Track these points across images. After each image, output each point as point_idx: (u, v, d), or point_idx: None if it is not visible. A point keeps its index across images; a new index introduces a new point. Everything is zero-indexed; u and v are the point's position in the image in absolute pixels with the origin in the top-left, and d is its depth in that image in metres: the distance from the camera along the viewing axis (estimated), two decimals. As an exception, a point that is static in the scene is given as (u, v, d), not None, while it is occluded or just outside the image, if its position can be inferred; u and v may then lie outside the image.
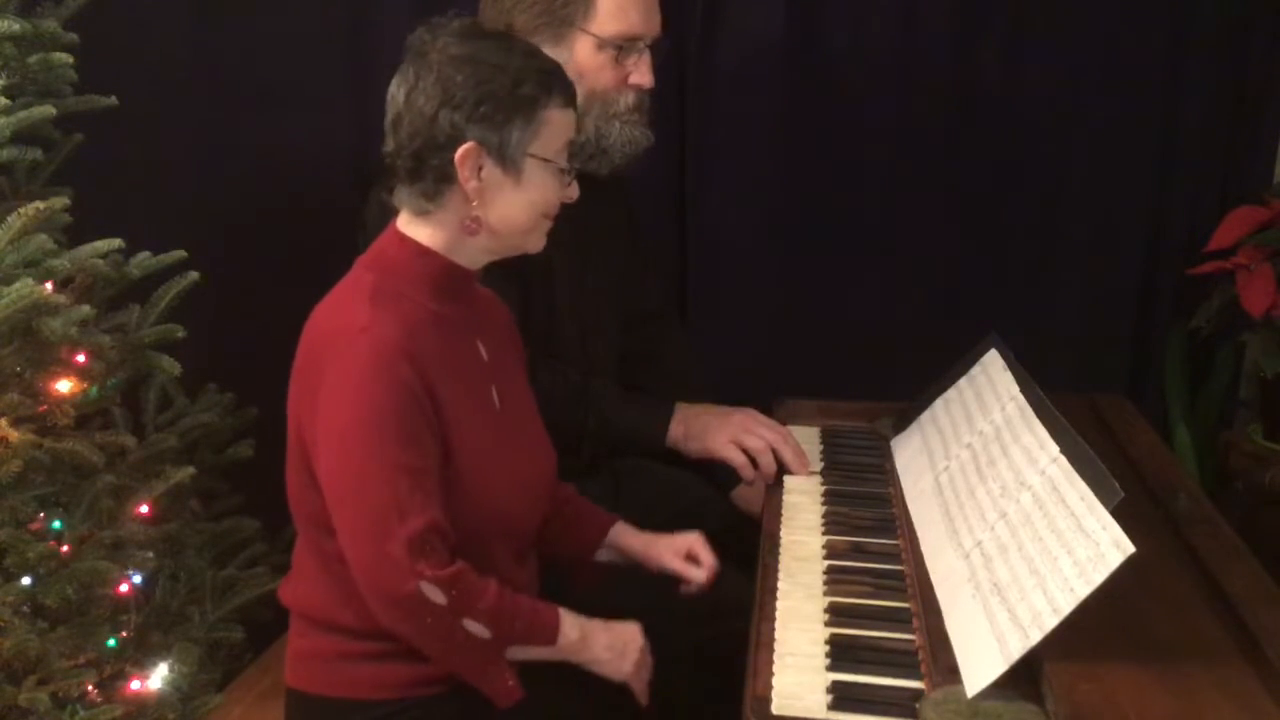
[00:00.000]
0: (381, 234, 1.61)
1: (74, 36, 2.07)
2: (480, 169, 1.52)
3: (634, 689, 1.63)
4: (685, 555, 1.77)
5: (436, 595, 1.46)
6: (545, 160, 1.55)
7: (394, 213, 1.61)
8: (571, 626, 1.59)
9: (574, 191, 1.61)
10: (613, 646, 1.61)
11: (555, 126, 1.55)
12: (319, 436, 1.50)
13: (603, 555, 1.81)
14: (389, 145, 1.56)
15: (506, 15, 1.90)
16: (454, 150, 1.50)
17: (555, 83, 1.56)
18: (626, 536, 1.81)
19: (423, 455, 1.48)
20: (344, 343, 1.50)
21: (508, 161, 1.53)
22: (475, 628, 1.49)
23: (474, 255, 1.60)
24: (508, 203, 1.55)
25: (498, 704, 1.54)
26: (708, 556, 1.77)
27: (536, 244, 1.62)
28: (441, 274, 1.58)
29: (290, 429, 1.59)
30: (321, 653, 1.62)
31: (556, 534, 1.78)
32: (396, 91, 1.55)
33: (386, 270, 1.57)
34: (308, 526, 1.61)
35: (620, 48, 1.90)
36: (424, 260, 1.57)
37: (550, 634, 1.56)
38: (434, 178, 1.53)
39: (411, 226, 1.58)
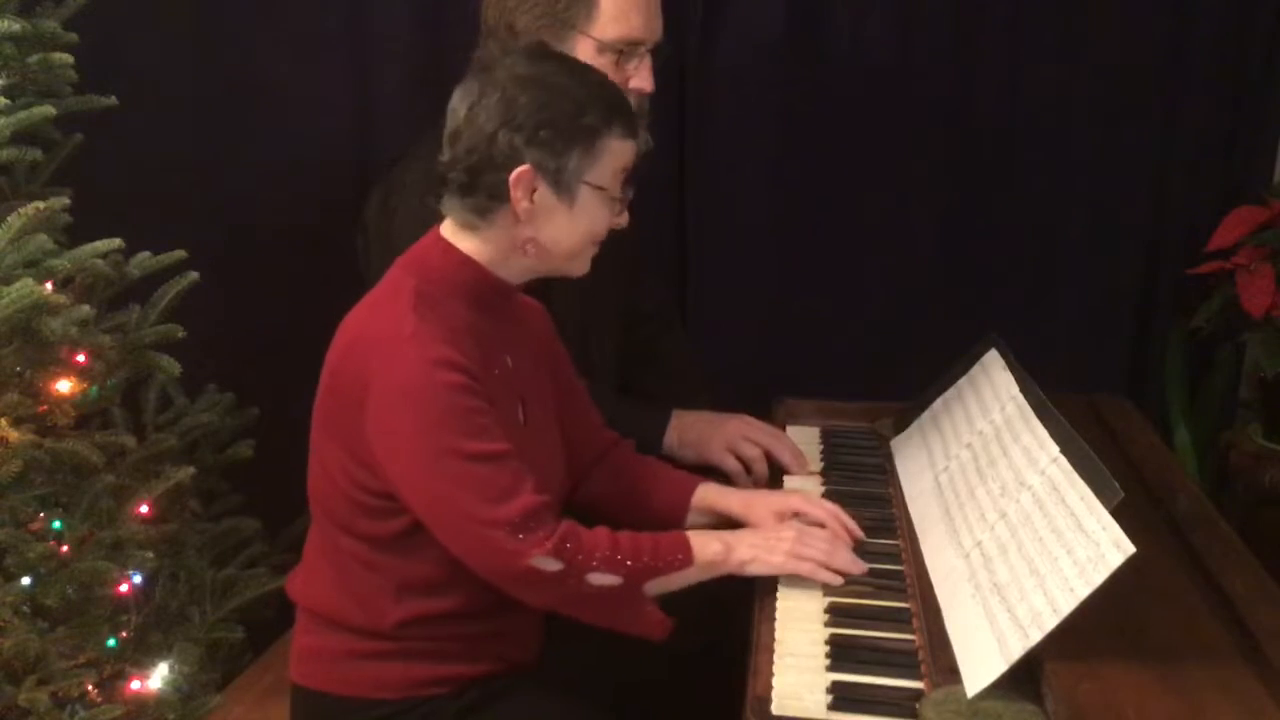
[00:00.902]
0: (423, 238, 1.61)
1: (74, 36, 2.06)
2: (533, 191, 1.53)
3: (803, 573, 1.59)
4: (792, 516, 1.74)
5: (551, 565, 1.46)
6: (600, 189, 1.56)
7: (430, 215, 1.60)
8: (708, 541, 1.59)
9: (624, 219, 1.62)
10: (758, 544, 1.61)
11: (614, 156, 1.56)
12: (383, 450, 1.49)
13: (693, 519, 1.79)
14: (445, 156, 1.56)
15: (508, 16, 1.90)
16: (510, 171, 1.51)
17: (619, 113, 1.56)
18: (721, 498, 1.80)
19: (495, 440, 1.49)
20: (390, 350, 1.50)
21: (562, 187, 1.53)
22: (601, 579, 1.49)
23: (517, 272, 1.61)
24: (557, 227, 1.56)
25: (655, 639, 1.54)
26: (818, 513, 1.73)
27: (581, 268, 1.63)
28: (481, 285, 1.58)
29: (318, 428, 1.59)
30: (327, 651, 1.63)
31: (634, 502, 1.78)
32: (459, 105, 1.54)
33: (427, 277, 1.56)
34: (325, 523, 1.61)
35: (621, 51, 1.90)
36: (465, 270, 1.57)
37: (684, 554, 1.56)
38: (486, 195, 1.53)
39: (457, 236, 1.58)
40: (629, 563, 1.51)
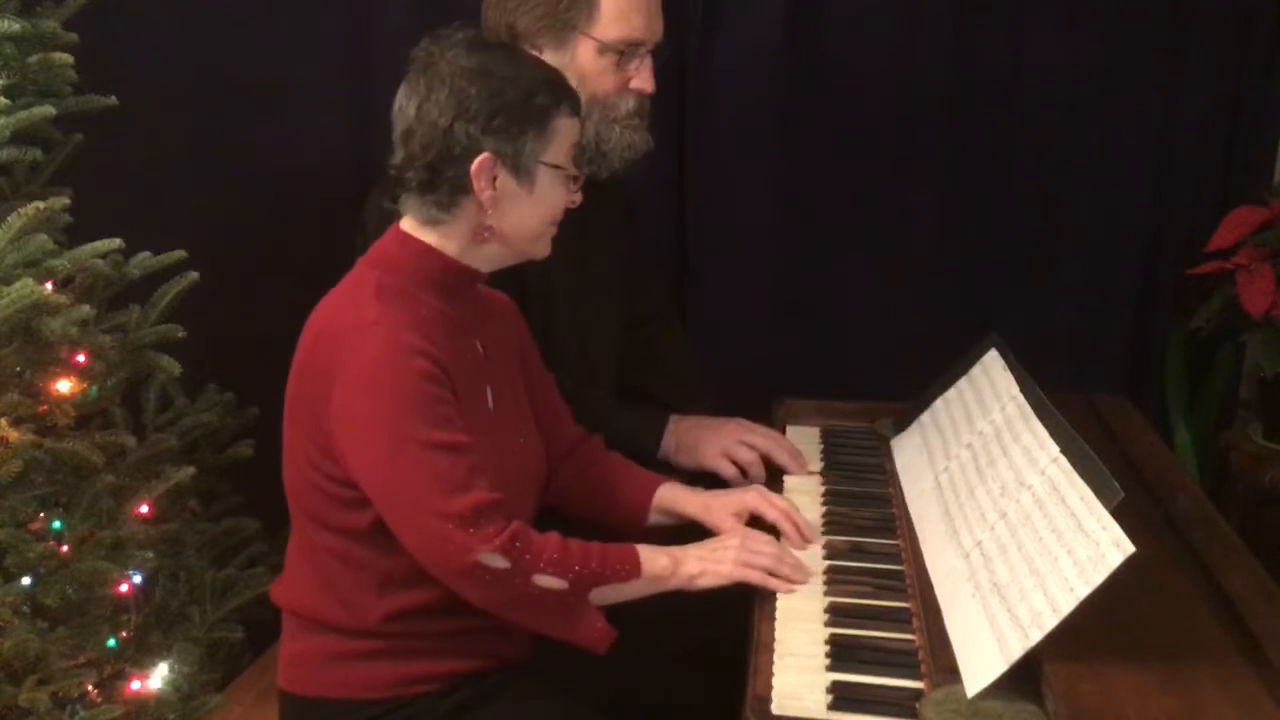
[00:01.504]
0: (382, 236, 1.61)
1: (74, 36, 2.06)
2: (495, 179, 1.54)
3: (752, 580, 1.59)
4: (748, 518, 1.75)
5: (497, 561, 1.46)
6: (556, 168, 1.57)
7: (395, 217, 1.62)
8: (656, 555, 1.59)
9: (578, 197, 1.63)
10: (705, 556, 1.61)
11: (565, 134, 1.58)
12: (344, 434, 1.50)
13: (654, 519, 1.81)
14: (398, 157, 1.57)
15: (509, 17, 1.90)
16: (470, 162, 1.52)
17: (564, 92, 1.59)
18: (681, 499, 1.80)
19: (455, 431, 1.49)
20: (356, 337, 1.51)
21: (521, 171, 1.55)
22: (547, 581, 1.49)
23: (481, 262, 1.62)
24: (520, 211, 1.57)
25: (595, 650, 1.54)
26: (773, 512, 1.74)
27: (543, 250, 1.64)
28: (444, 272, 1.59)
29: (289, 423, 1.60)
30: (312, 654, 1.63)
31: (596, 498, 1.79)
32: (406, 104, 1.56)
33: (389, 269, 1.57)
34: (303, 520, 1.62)
35: (622, 52, 1.90)
36: (427, 259, 1.58)
37: (632, 565, 1.56)
38: (449, 189, 1.54)
39: (419, 230, 1.59)
40: (577, 568, 1.51)
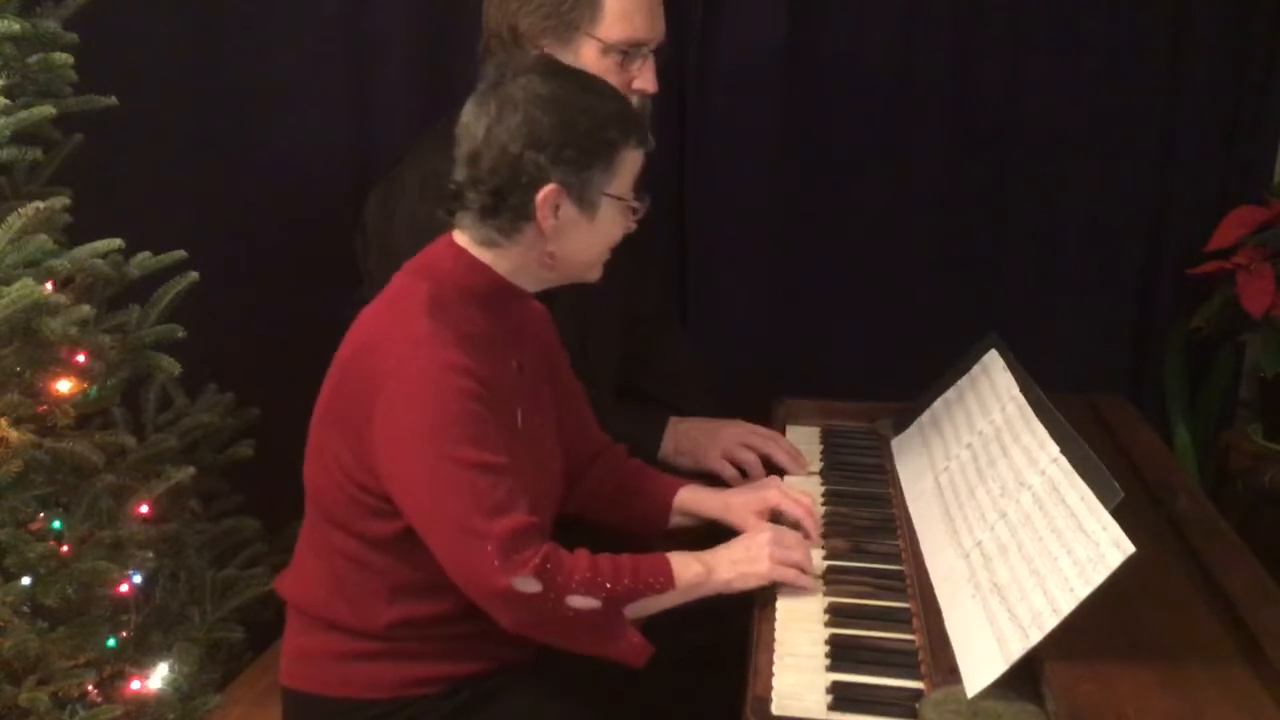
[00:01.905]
0: (436, 244, 1.61)
1: (74, 36, 2.06)
2: (558, 208, 1.54)
3: (787, 581, 1.59)
4: (770, 515, 1.76)
5: (530, 586, 1.45)
6: (619, 199, 1.58)
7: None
8: (689, 562, 1.58)
9: (633, 226, 1.63)
10: (739, 560, 1.60)
11: (630, 167, 1.59)
12: (386, 449, 1.49)
13: (676, 521, 1.81)
14: (460, 175, 1.56)
15: (511, 19, 1.90)
16: (536, 191, 1.52)
17: (633, 125, 1.59)
18: (701, 500, 1.80)
19: (496, 452, 1.49)
20: (403, 351, 1.50)
21: (585, 202, 1.55)
22: (580, 601, 1.48)
23: (531, 283, 1.63)
24: (579, 240, 1.58)
25: (633, 665, 1.53)
26: (794, 509, 1.75)
27: (596, 275, 1.65)
28: (494, 288, 1.59)
29: (321, 424, 1.59)
30: (317, 652, 1.63)
31: (617, 504, 1.79)
32: (474, 124, 1.55)
33: (439, 281, 1.57)
34: (321, 520, 1.61)
35: (625, 52, 1.91)
36: (479, 275, 1.58)
37: (665, 577, 1.55)
38: (511, 216, 1.54)
39: (473, 247, 1.59)
40: (609, 585, 1.50)
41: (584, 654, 1.53)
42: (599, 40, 1.88)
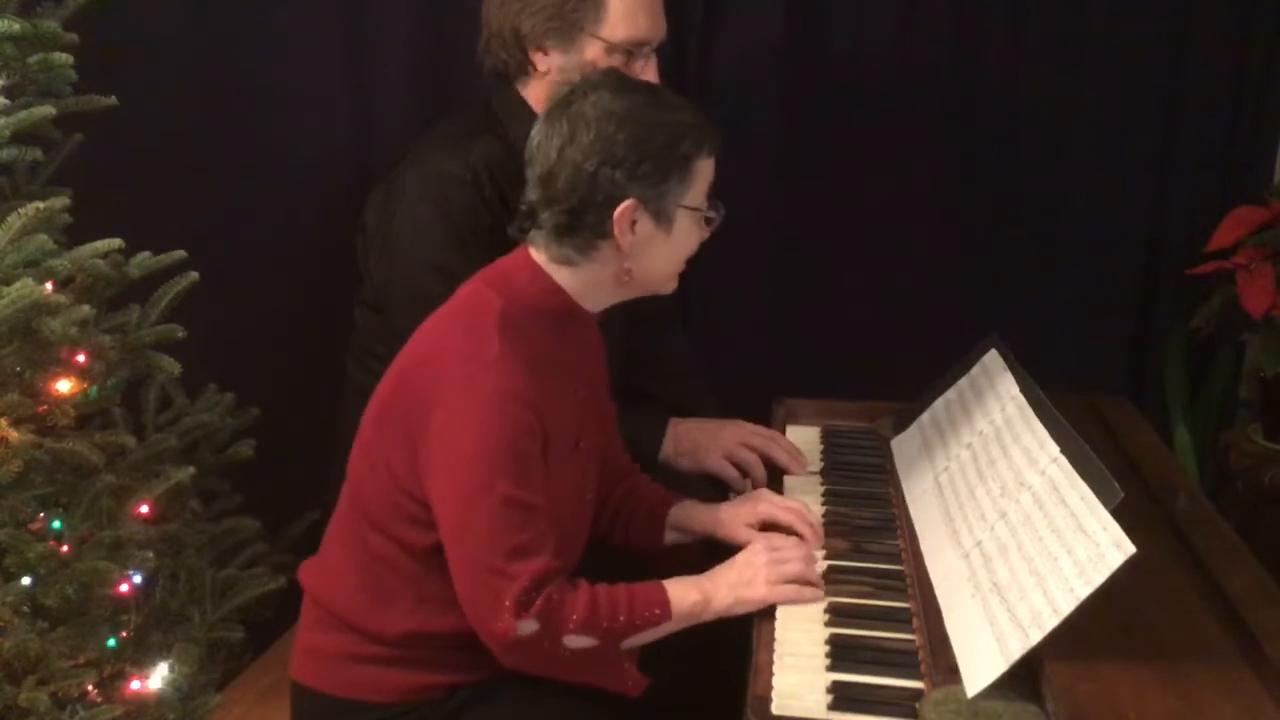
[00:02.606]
0: (510, 256, 1.62)
1: (74, 36, 2.06)
2: (634, 224, 1.54)
3: (788, 600, 1.58)
4: (760, 526, 1.75)
5: (528, 628, 1.46)
6: (695, 210, 1.58)
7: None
8: (686, 591, 1.57)
9: (708, 234, 1.64)
10: (736, 583, 1.59)
11: (704, 176, 1.59)
12: (435, 461, 1.50)
13: (671, 537, 1.81)
14: (534, 195, 1.57)
15: (514, 21, 1.90)
16: (613, 208, 1.52)
17: (706, 135, 1.59)
18: (691, 517, 1.80)
19: (537, 492, 1.49)
20: (471, 370, 1.50)
21: (661, 216, 1.56)
22: (578, 641, 1.49)
23: (604, 300, 1.63)
24: (656, 254, 1.59)
25: (629, 695, 1.54)
26: (787, 515, 1.75)
27: (672, 287, 1.66)
28: (563, 311, 1.59)
29: (375, 424, 1.59)
30: (328, 650, 1.63)
31: (617, 521, 1.80)
32: (547, 145, 1.55)
33: (514, 299, 1.57)
34: (359, 520, 1.61)
35: (629, 52, 1.91)
36: (553, 299, 1.59)
37: (662, 609, 1.55)
38: (589, 234, 1.55)
39: (549, 265, 1.59)
40: (605, 624, 1.51)
41: (582, 685, 1.54)
42: (603, 40, 1.89)
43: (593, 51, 1.89)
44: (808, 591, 1.58)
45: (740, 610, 1.58)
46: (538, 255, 1.59)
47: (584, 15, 1.88)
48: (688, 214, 1.58)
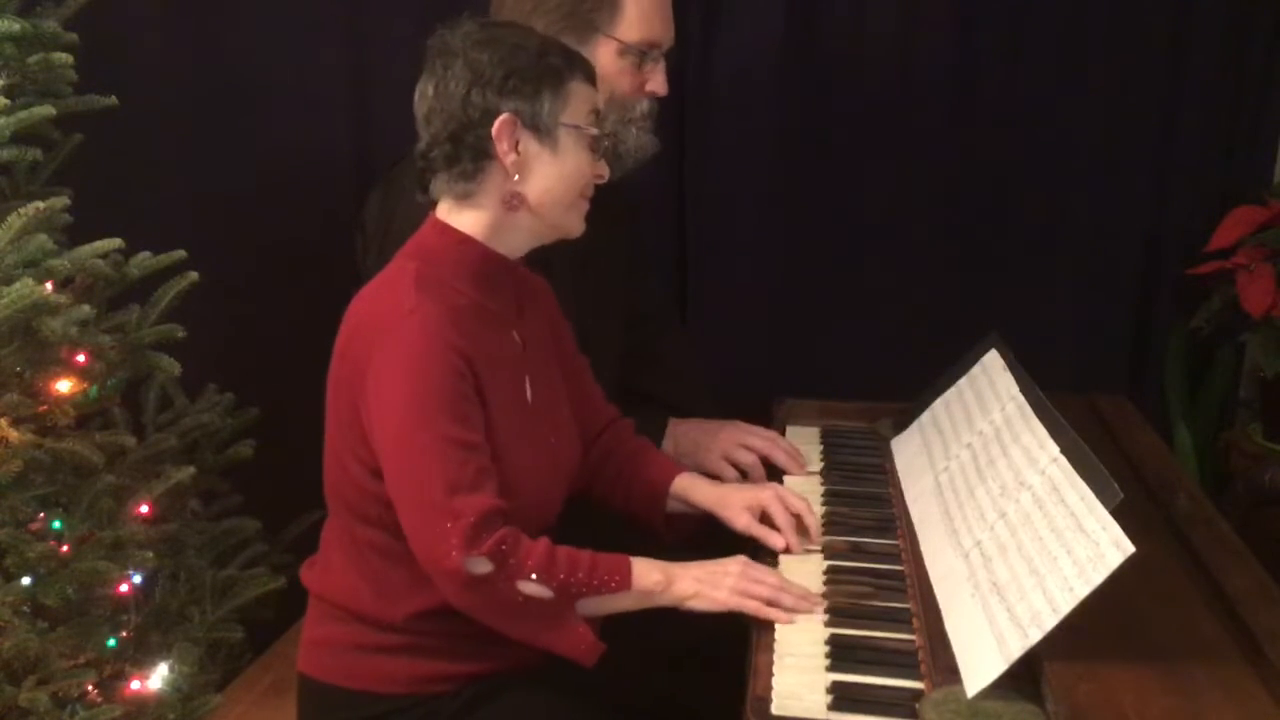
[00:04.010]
0: (422, 226, 1.63)
1: (74, 36, 2.06)
2: (517, 142, 1.55)
3: (748, 610, 1.54)
4: (760, 515, 1.75)
5: (481, 566, 1.45)
6: (578, 128, 1.58)
7: (422, 213, 1.63)
8: (650, 569, 1.56)
9: (604, 169, 1.64)
10: (702, 578, 1.57)
11: (581, 98, 1.59)
12: (372, 415, 1.51)
13: (673, 506, 1.81)
14: (422, 142, 1.58)
15: (526, 19, 1.90)
16: (490, 125, 1.54)
17: (576, 58, 1.61)
18: (696, 489, 1.79)
19: (473, 430, 1.50)
20: (392, 324, 1.52)
21: (543, 131, 1.56)
22: (533, 588, 1.48)
23: (515, 240, 1.62)
24: (546, 175, 1.58)
25: (582, 663, 1.52)
26: (782, 516, 1.73)
27: (576, 224, 1.64)
28: (481, 262, 1.60)
29: (329, 415, 1.60)
30: (335, 642, 1.64)
31: (618, 484, 1.80)
32: (425, 88, 1.58)
33: (427, 259, 1.58)
34: (342, 512, 1.63)
35: (643, 53, 1.92)
36: (464, 248, 1.59)
37: (622, 576, 1.53)
38: (471, 156, 1.55)
39: (452, 215, 1.60)
40: (562, 576, 1.50)
41: (531, 645, 1.53)
42: (618, 41, 1.89)
43: (605, 51, 1.89)
44: (768, 611, 1.54)
45: (698, 605, 1.57)
46: (442, 209, 1.61)
47: (600, 15, 1.89)
48: (571, 133, 1.58)
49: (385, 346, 1.50)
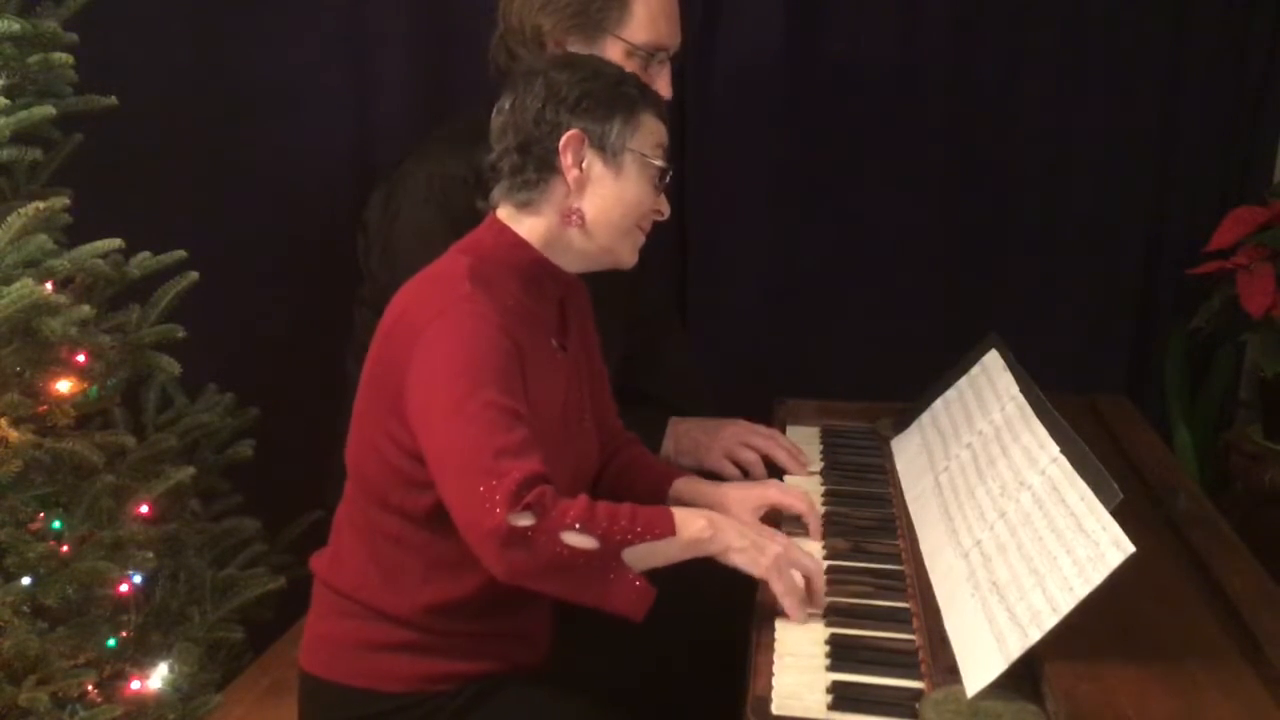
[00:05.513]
0: (481, 224, 1.65)
1: (74, 36, 2.06)
2: (583, 159, 1.58)
3: (777, 589, 1.52)
4: (765, 517, 1.75)
5: (524, 519, 1.40)
6: (644, 156, 1.61)
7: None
8: (693, 517, 1.53)
9: (665, 206, 1.67)
10: (749, 536, 1.55)
11: (651, 129, 1.63)
12: (419, 395, 1.49)
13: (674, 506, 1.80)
14: (493, 154, 1.62)
15: (535, 18, 1.90)
16: (558, 139, 1.57)
17: (650, 92, 1.66)
18: (698, 492, 1.79)
19: (520, 403, 1.48)
20: (445, 306, 1.52)
21: (609, 153, 1.59)
22: (577, 539, 1.43)
23: (567, 259, 1.64)
24: (606, 195, 1.60)
25: (633, 617, 1.47)
26: (793, 504, 1.75)
27: (629, 254, 1.66)
28: (531, 265, 1.61)
29: (363, 397, 1.61)
30: (339, 638, 1.64)
31: (617, 490, 1.78)
32: (503, 104, 1.62)
33: (481, 256, 1.60)
34: (360, 498, 1.62)
35: (648, 55, 1.92)
36: (517, 250, 1.61)
37: (666, 523, 1.50)
38: (535, 166, 1.58)
39: (511, 221, 1.62)
40: (606, 524, 1.45)
41: (582, 604, 1.48)
42: (625, 42, 1.90)
43: (613, 53, 1.89)
44: (790, 601, 1.52)
45: (739, 562, 1.53)
46: (502, 212, 1.63)
47: (609, 16, 1.89)
48: (637, 160, 1.60)
49: (436, 325, 1.51)
